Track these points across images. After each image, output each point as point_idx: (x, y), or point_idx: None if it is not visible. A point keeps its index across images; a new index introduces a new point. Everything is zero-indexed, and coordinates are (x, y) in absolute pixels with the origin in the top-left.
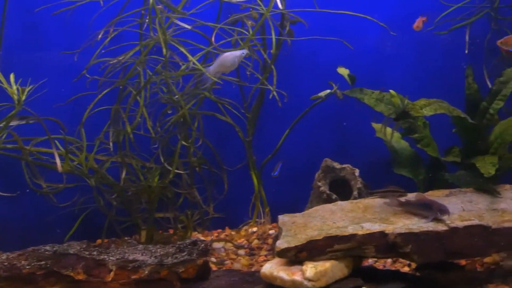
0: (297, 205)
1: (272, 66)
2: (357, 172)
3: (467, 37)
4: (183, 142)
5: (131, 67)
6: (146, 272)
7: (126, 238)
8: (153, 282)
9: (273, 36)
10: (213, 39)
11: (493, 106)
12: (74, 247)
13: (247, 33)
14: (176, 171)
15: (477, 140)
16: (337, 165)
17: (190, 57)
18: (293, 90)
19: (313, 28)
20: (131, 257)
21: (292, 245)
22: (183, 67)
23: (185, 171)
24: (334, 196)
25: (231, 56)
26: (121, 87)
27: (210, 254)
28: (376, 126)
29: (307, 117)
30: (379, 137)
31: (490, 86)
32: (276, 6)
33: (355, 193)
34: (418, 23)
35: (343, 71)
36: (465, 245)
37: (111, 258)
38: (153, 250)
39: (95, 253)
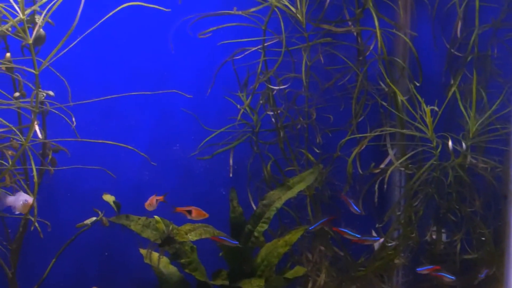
0: None
1: (31, 195)
2: None
3: (231, 161)
4: None
5: None
6: None
7: None
8: None
9: (33, 166)
10: None
11: (258, 229)
12: None
13: (6, 164)
14: None
15: (243, 263)
16: None
17: None
18: (58, 218)
19: (77, 156)
20: None
21: None
22: None
23: None
24: None
25: None
26: None
27: None
28: (144, 252)
29: (73, 245)
30: (148, 263)
31: (254, 208)
32: (36, 135)
33: None
34: (151, 201)
35: (109, 198)
36: None
37: None
38: None
39: None
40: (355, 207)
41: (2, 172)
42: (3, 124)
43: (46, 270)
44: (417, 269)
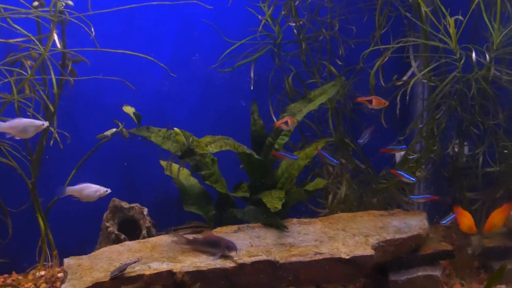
0: (87, 247)
1: (51, 107)
2: (145, 211)
3: (252, 74)
4: None
5: None
6: None
7: None
8: None
9: (53, 76)
10: None
11: (278, 142)
12: None
13: (25, 74)
14: None
15: (264, 175)
16: (125, 205)
17: None
18: (78, 129)
19: (97, 67)
20: None
21: None
22: None
23: None
24: (122, 236)
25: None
26: None
27: None
28: (164, 164)
29: (94, 156)
30: (168, 175)
31: (276, 121)
32: (55, 45)
33: (144, 232)
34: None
35: (129, 110)
36: (253, 281)
37: None
38: None
39: None
40: (332, 159)
41: (21, 82)
42: (22, 33)
43: (66, 182)
44: (412, 196)
